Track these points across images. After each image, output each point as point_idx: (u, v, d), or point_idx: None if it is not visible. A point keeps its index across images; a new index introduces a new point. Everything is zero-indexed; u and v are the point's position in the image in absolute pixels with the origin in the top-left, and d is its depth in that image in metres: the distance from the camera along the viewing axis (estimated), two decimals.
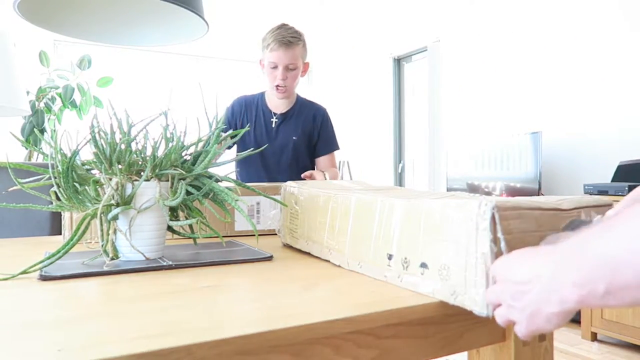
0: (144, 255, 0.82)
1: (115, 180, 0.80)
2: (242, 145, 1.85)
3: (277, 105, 1.92)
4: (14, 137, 0.89)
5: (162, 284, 0.69)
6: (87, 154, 0.85)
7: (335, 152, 2.01)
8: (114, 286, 0.67)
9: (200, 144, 0.92)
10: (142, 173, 0.83)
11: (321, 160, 1.96)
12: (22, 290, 0.65)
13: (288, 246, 1.01)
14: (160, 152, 0.87)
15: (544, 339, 0.72)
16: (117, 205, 0.79)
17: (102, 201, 0.78)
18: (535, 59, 3.44)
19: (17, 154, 3.78)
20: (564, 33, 3.25)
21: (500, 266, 0.51)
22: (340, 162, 5.17)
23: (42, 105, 3.56)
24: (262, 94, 1.96)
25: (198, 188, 0.88)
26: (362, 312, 0.55)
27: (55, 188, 0.81)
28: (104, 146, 0.83)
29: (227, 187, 0.87)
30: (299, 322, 0.51)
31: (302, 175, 1.70)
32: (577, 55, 3.18)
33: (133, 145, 0.85)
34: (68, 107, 3.67)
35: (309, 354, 0.53)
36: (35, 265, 0.73)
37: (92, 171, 0.86)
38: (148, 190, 0.82)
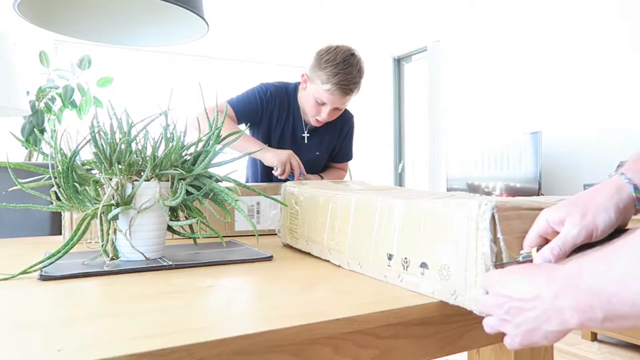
0: (144, 255, 0.82)
1: (115, 180, 0.80)
2: (263, 136, 1.67)
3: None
4: (14, 137, 0.89)
5: (162, 284, 0.69)
6: (87, 154, 0.85)
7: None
8: (114, 286, 0.67)
9: (200, 144, 0.92)
10: (142, 173, 0.83)
11: (335, 165, 1.88)
12: (22, 290, 0.65)
13: (288, 246, 1.01)
14: (160, 152, 0.87)
15: None
16: (117, 205, 0.79)
17: (102, 201, 0.78)
18: (535, 59, 3.44)
19: (17, 154, 3.78)
20: (564, 33, 3.25)
21: (495, 280, 0.51)
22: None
23: (42, 105, 3.56)
24: (295, 90, 1.74)
25: (198, 188, 0.88)
26: (362, 312, 0.55)
27: (55, 188, 0.81)
28: (104, 146, 0.83)
29: (227, 187, 0.87)
30: (299, 322, 0.51)
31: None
32: (577, 55, 3.18)
33: (133, 145, 0.85)
34: (68, 107, 3.67)
35: (309, 354, 0.53)
36: (35, 265, 0.73)
37: (92, 171, 0.86)
38: (148, 190, 0.82)
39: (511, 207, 0.55)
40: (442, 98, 4.26)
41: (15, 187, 0.83)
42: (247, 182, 1.79)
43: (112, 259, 0.80)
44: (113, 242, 0.81)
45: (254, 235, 1.18)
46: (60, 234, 1.48)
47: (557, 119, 3.30)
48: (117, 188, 0.80)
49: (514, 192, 3.21)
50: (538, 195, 2.94)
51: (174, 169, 0.86)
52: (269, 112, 1.68)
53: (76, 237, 0.77)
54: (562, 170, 3.27)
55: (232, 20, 4.86)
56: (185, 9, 1.05)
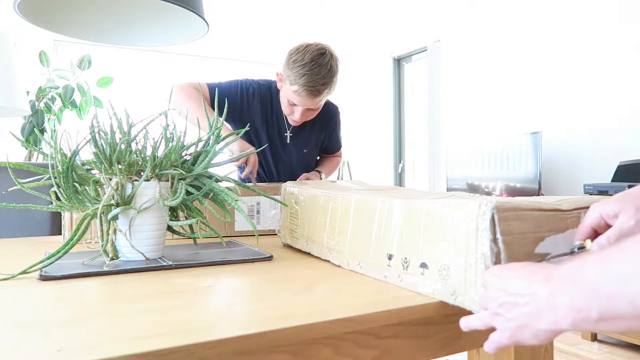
0: (144, 255, 0.82)
1: (115, 180, 0.80)
2: (251, 138, 1.63)
3: None
4: (14, 137, 0.89)
5: (162, 284, 0.69)
6: (87, 154, 0.85)
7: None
8: (114, 286, 0.67)
9: (200, 144, 0.92)
10: (142, 173, 0.83)
11: (326, 155, 1.88)
12: (22, 290, 0.65)
13: (288, 246, 1.01)
14: (160, 152, 0.87)
15: None
16: (117, 205, 0.79)
17: (102, 201, 0.78)
18: (535, 59, 3.44)
19: (17, 154, 3.78)
20: (564, 33, 3.25)
21: (495, 275, 0.51)
22: (340, 162, 5.16)
23: (42, 105, 3.56)
24: (277, 90, 1.69)
25: (198, 188, 0.88)
26: (362, 312, 0.55)
27: (55, 188, 0.81)
28: (104, 146, 0.83)
29: (227, 187, 0.87)
30: (298, 322, 0.51)
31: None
32: (577, 55, 3.18)
33: (133, 145, 0.85)
34: (68, 107, 3.67)
35: (309, 354, 0.53)
36: (35, 265, 0.73)
37: (92, 171, 0.86)
38: (148, 190, 0.82)
39: (511, 208, 0.55)
40: (442, 98, 4.26)
41: (15, 187, 0.83)
42: None
43: (112, 259, 0.80)
44: (113, 242, 0.81)
45: (254, 235, 1.18)
46: (60, 234, 1.48)
47: (557, 119, 3.30)
48: (117, 188, 0.80)
49: (514, 192, 3.21)
50: (538, 195, 2.94)
51: (174, 169, 0.86)
52: (250, 111, 1.64)
53: (76, 237, 0.77)
54: (562, 170, 3.27)
55: (232, 20, 4.85)
56: (185, 9, 1.05)
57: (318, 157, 1.87)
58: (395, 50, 4.83)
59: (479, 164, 3.51)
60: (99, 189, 0.82)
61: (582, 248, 0.56)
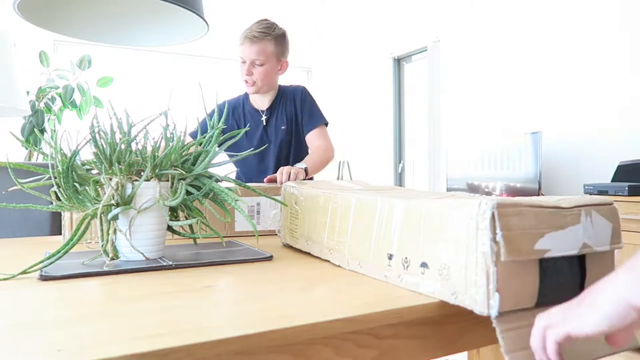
0: (144, 255, 0.82)
1: (115, 180, 0.80)
2: (236, 149, 1.80)
3: (262, 102, 1.88)
4: (14, 137, 0.89)
5: (162, 284, 0.69)
6: (87, 154, 0.85)
7: (325, 127, 1.91)
8: (114, 286, 0.67)
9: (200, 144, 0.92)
10: (142, 173, 0.83)
11: (310, 138, 1.87)
12: (22, 290, 0.65)
13: (288, 246, 1.01)
14: (160, 152, 0.87)
15: None
16: (117, 205, 0.79)
17: (102, 201, 0.78)
18: (535, 59, 3.44)
19: (17, 154, 3.78)
20: (564, 33, 3.25)
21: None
22: (340, 162, 5.17)
23: (42, 105, 3.56)
24: (246, 95, 1.94)
25: (198, 188, 0.88)
26: (362, 312, 0.55)
27: (55, 188, 0.81)
28: (104, 146, 0.83)
29: (227, 187, 0.87)
30: (298, 322, 0.51)
31: (266, 180, 1.51)
32: (576, 55, 3.18)
33: (133, 145, 0.85)
34: (68, 107, 3.67)
35: (309, 354, 0.53)
36: (35, 265, 0.73)
37: (92, 171, 0.86)
38: (148, 190, 0.82)
39: (511, 204, 0.55)
40: (442, 98, 4.26)
41: (15, 187, 0.83)
42: None
43: (112, 259, 0.80)
44: (113, 242, 0.81)
45: (254, 235, 1.18)
46: (60, 234, 1.48)
47: (557, 119, 3.30)
48: (117, 188, 0.80)
49: (514, 192, 3.21)
50: (538, 195, 2.94)
51: (174, 169, 0.86)
52: (234, 126, 1.88)
53: (76, 237, 0.77)
54: (562, 170, 3.27)
55: (232, 20, 4.85)
56: (185, 9, 1.05)
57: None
58: (395, 50, 4.83)
59: (479, 164, 3.50)
60: (99, 189, 0.82)
61: None
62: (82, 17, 1.22)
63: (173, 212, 0.90)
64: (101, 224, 0.78)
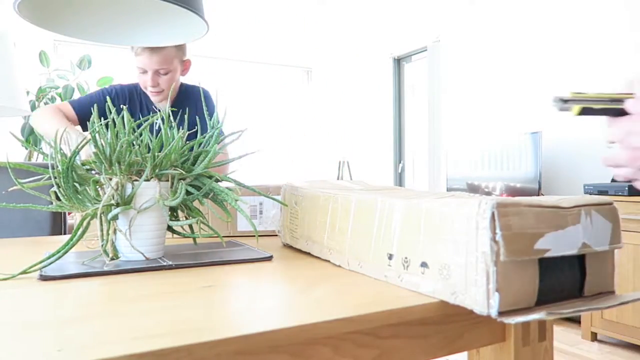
0: (144, 255, 0.82)
1: (115, 180, 0.80)
2: None
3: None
4: (14, 137, 0.89)
5: (162, 284, 0.69)
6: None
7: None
8: (114, 286, 0.67)
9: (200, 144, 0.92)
10: (142, 173, 0.83)
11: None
12: (22, 290, 0.65)
13: (288, 246, 1.01)
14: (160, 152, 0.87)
15: (544, 338, 0.72)
16: (117, 205, 0.79)
17: (102, 201, 0.78)
18: (535, 59, 3.44)
19: (17, 154, 3.78)
20: (564, 33, 3.25)
21: (627, 132, 0.51)
22: (340, 162, 5.17)
23: (42, 105, 3.56)
24: (143, 90, 1.76)
25: (198, 188, 0.88)
26: (362, 312, 0.55)
27: (55, 188, 0.81)
28: (104, 146, 0.83)
29: (227, 187, 0.87)
30: (298, 322, 0.51)
31: None
32: (576, 55, 3.18)
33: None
34: None
35: (309, 354, 0.53)
36: (35, 265, 0.73)
37: (92, 171, 0.86)
38: (148, 190, 0.82)
39: (511, 204, 0.56)
40: (442, 98, 4.26)
41: (15, 187, 0.83)
42: None
43: (112, 259, 0.80)
44: (113, 242, 0.81)
45: (255, 235, 1.18)
46: (60, 233, 1.48)
47: (557, 119, 3.30)
48: (117, 188, 0.80)
49: (514, 192, 3.21)
50: (538, 195, 2.94)
51: (174, 169, 0.86)
52: (117, 112, 1.67)
53: (76, 237, 0.77)
54: (562, 170, 3.27)
55: (232, 20, 4.86)
56: (185, 9, 1.05)
57: None
58: (395, 50, 4.83)
59: (479, 164, 3.50)
60: (99, 189, 0.82)
61: None
62: (82, 17, 1.22)
63: (173, 212, 0.90)
64: (101, 224, 0.78)
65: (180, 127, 1.73)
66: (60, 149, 0.80)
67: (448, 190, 3.80)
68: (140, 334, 0.47)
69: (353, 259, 0.76)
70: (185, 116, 1.12)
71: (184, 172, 0.87)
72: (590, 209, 0.62)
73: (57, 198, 0.82)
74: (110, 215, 0.78)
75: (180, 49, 1.66)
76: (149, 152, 0.83)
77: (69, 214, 1.68)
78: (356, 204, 0.77)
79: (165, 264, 0.80)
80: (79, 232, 0.78)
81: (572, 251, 0.59)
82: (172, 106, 1.72)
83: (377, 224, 0.71)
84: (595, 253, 0.63)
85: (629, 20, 2.90)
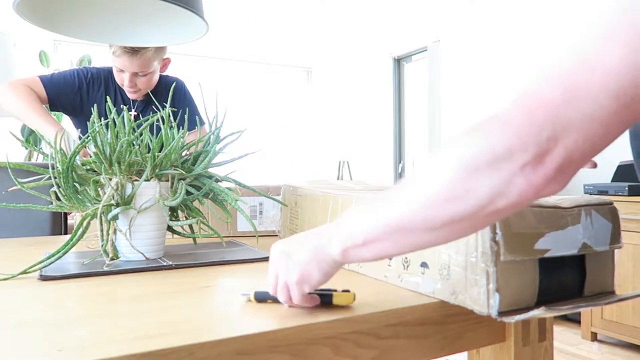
0: (144, 255, 0.82)
1: (115, 180, 0.80)
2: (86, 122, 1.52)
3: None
4: (14, 137, 0.89)
5: (162, 284, 0.69)
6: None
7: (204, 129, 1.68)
8: (114, 286, 0.67)
9: (200, 144, 0.92)
10: (142, 173, 0.83)
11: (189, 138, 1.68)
12: (22, 290, 0.65)
13: None
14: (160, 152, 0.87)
15: (544, 339, 0.72)
16: (117, 205, 0.79)
17: (102, 201, 0.78)
18: (535, 59, 3.44)
19: (17, 154, 3.78)
20: (564, 33, 3.25)
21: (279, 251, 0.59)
22: (340, 162, 5.17)
23: None
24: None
25: (198, 188, 0.88)
26: (362, 312, 0.55)
27: (55, 188, 0.81)
28: (104, 146, 0.83)
29: (227, 188, 0.87)
30: (298, 322, 0.51)
31: None
32: None
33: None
34: None
35: (309, 354, 0.53)
36: (35, 265, 0.73)
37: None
38: (148, 190, 0.82)
39: None
40: (442, 98, 4.26)
41: (15, 187, 0.83)
42: None
43: (112, 259, 0.80)
44: (113, 242, 0.81)
45: (255, 235, 1.18)
46: (60, 233, 1.48)
47: None
48: (117, 188, 0.80)
49: None
50: None
51: (174, 169, 0.86)
52: (91, 97, 1.59)
53: (76, 237, 0.77)
54: None
55: (232, 20, 4.85)
56: (185, 9, 1.05)
57: None
58: (395, 50, 4.83)
59: None
60: (99, 189, 0.82)
61: None
62: (82, 17, 1.22)
63: (173, 212, 0.90)
64: (101, 224, 0.78)
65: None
66: (61, 148, 0.80)
67: None
68: (140, 334, 0.47)
69: None
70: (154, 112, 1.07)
71: (184, 172, 0.87)
72: (590, 209, 0.62)
73: (57, 198, 0.82)
74: (110, 215, 0.78)
75: (160, 50, 1.61)
76: (149, 152, 0.83)
77: (69, 214, 1.67)
78: (356, 203, 0.77)
79: (165, 264, 0.80)
80: (79, 232, 0.78)
81: (572, 251, 0.59)
82: (145, 97, 1.66)
83: None
84: (595, 253, 0.63)
85: None
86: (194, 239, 0.92)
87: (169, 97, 0.98)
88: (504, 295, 0.54)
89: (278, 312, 0.55)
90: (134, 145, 0.84)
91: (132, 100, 1.65)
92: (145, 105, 1.67)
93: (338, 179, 5.04)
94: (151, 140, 0.89)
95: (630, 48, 0.36)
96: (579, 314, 2.61)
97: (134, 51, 1.49)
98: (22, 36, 4.02)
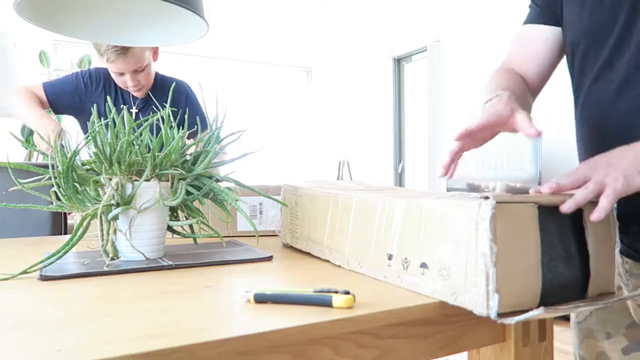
0: (144, 255, 0.82)
1: (115, 180, 0.80)
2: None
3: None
4: (14, 137, 0.89)
5: (162, 284, 0.69)
6: (86, 154, 0.85)
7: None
8: (114, 286, 0.67)
9: (200, 144, 0.92)
10: (142, 173, 0.83)
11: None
12: (22, 290, 0.65)
13: (288, 246, 1.01)
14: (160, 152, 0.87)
15: (544, 339, 0.72)
16: (117, 205, 0.79)
17: (102, 201, 0.78)
18: None
19: (17, 154, 3.78)
20: None
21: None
22: (340, 162, 5.17)
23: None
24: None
25: (198, 188, 0.88)
26: (362, 312, 0.55)
27: (55, 188, 0.81)
28: (104, 146, 0.83)
29: (227, 187, 0.87)
30: (299, 322, 0.51)
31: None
32: None
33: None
34: None
35: (309, 354, 0.53)
36: (35, 265, 0.73)
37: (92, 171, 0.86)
38: (148, 190, 0.82)
39: (510, 202, 0.56)
40: (442, 98, 4.26)
41: (15, 187, 0.83)
42: None
43: (112, 259, 0.80)
44: (113, 242, 0.81)
45: (255, 235, 1.18)
46: (60, 233, 1.48)
47: (557, 119, 3.30)
48: (117, 188, 0.80)
49: (513, 192, 3.21)
50: None
51: (174, 169, 0.86)
52: (92, 97, 1.63)
53: (76, 237, 0.77)
54: (562, 170, 3.27)
55: (232, 20, 4.85)
56: (185, 9, 1.05)
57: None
58: (395, 50, 4.83)
59: (479, 164, 3.51)
60: (99, 189, 0.82)
61: None
62: (82, 17, 1.22)
63: (173, 212, 0.90)
64: (101, 224, 0.78)
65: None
66: (62, 145, 0.80)
67: (448, 190, 3.80)
68: (140, 334, 0.47)
69: (353, 259, 0.76)
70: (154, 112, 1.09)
71: (184, 172, 0.87)
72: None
73: (57, 198, 0.82)
74: (110, 215, 0.78)
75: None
76: (149, 152, 0.83)
77: (69, 214, 1.67)
78: (356, 204, 0.77)
79: (165, 264, 0.80)
80: (79, 232, 0.78)
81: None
82: (143, 98, 1.69)
83: (377, 224, 0.71)
84: (596, 253, 0.63)
85: None
86: (194, 239, 0.92)
87: (169, 97, 0.99)
88: (504, 297, 0.54)
89: (278, 312, 0.55)
90: (134, 145, 0.84)
91: (132, 98, 1.68)
92: (145, 104, 1.69)
93: (338, 179, 5.04)
94: (151, 140, 0.89)
95: None
96: None
97: (124, 50, 1.53)
98: (22, 36, 4.02)
